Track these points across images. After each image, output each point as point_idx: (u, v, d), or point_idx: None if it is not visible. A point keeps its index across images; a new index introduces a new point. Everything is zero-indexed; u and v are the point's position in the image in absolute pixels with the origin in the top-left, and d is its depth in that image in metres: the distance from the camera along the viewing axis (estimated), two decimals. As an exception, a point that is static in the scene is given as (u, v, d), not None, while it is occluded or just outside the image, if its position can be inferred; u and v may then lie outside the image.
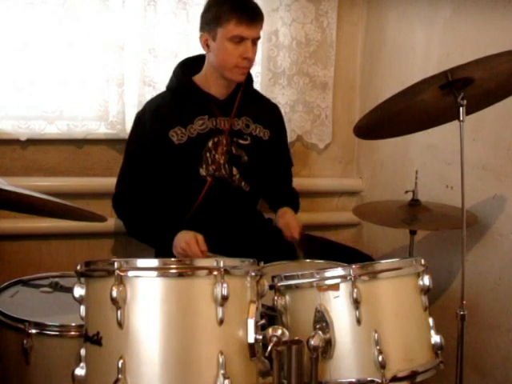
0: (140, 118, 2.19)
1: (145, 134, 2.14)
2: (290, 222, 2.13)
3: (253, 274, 1.28)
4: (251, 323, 1.24)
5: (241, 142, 2.19)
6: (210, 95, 2.16)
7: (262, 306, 1.37)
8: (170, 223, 2.06)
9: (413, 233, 2.15)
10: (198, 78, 2.18)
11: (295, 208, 2.28)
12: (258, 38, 2.08)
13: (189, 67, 2.21)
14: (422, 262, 1.46)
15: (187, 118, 2.14)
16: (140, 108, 2.31)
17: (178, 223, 2.06)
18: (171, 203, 2.18)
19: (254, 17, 2.04)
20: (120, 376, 1.16)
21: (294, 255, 2.03)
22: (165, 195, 2.17)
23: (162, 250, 2.04)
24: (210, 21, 2.05)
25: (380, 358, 1.32)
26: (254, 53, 2.08)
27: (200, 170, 2.13)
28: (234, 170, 2.18)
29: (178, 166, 2.13)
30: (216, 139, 2.15)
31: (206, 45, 2.09)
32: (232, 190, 2.17)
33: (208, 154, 2.14)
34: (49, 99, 2.39)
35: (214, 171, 2.14)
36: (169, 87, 2.22)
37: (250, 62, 2.08)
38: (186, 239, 1.93)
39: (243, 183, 2.19)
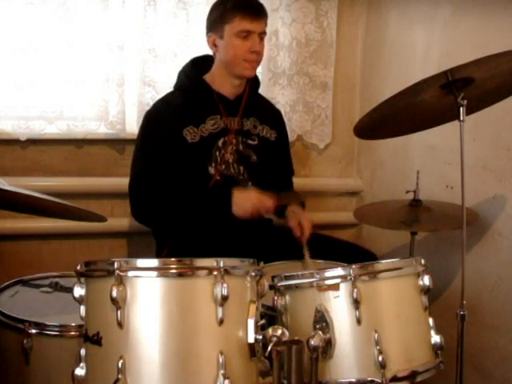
0: (152, 117, 2.18)
1: (159, 131, 2.13)
2: (301, 221, 2.10)
3: (253, 274, 1.28)
4: (251, 323, 1.23)
5: (249, 142, 2.22)
6: (221, 95, 2.18)
7: (262, 306, 1.37)
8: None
9: (414, 232, 2.15)
10: (208, 78, 2.19)
11: (302, 205, 2.25)
12: (264, 32, 2.13)
13: (199, 67, 2.22)
14: (422, 262, 1.46)
15: (199, 117, 2.15)
16: (140, 108, 2.29)
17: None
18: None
19: (257, 11, 2.11)
20: (120, 376, 1.16)
21: (298, 255, 2.01)
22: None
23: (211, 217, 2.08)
24: (216, 20, 2.10)
25: (380, 358, 1.32)
26: (262, 47, 2.13)
27: (209, 169, 2.15)
28: (242, 170, 2.19)
29: (188, 164, 2.14)
30: (226, 138, 2.17)
31: (213, 45, 2.12)
32: None
33: (218, 153, 2.16)
34: (49, 99, 2.39)
35: (223, 170, 2.15)
36: (179, 86, 2.22)
37: (259, 55, 2.12)
38: (254, 196, 2.03)
39: (250, 183, 2.20)
